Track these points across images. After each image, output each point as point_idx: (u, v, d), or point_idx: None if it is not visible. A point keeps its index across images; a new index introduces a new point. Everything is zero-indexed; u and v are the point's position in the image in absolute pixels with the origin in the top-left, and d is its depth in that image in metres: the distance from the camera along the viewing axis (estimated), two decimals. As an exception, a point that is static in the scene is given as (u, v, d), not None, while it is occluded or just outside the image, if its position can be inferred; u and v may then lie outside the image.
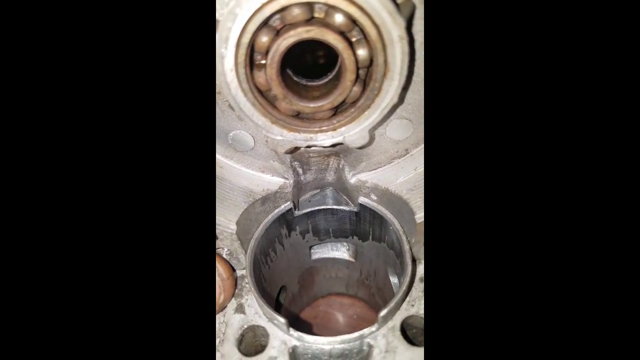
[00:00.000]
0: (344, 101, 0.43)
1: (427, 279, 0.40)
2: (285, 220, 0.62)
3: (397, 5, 0.36)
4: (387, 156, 0.55)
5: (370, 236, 0.66)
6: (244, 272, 0.55)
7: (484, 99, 0.33)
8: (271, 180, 0.59)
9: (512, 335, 0.32)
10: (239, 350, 0.49)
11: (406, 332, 0.47)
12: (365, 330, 0.46)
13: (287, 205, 0.60)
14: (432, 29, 0.35)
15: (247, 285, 0.54)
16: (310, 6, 0.36)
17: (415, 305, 0.49)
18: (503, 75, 0.33)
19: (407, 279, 0.48)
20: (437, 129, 0.34)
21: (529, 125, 0.33)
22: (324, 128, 0.46)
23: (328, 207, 0.64)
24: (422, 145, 0.53)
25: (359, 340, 0.46)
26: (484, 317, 0.33)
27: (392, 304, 0.45)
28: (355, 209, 0.61)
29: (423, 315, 0.48)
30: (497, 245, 0.33)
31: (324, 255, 0.76)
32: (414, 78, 0.44)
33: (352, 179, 0.59)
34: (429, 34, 0.37)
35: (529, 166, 0.33)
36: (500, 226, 0.33)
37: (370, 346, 0.45)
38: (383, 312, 0.45)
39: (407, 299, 0.50)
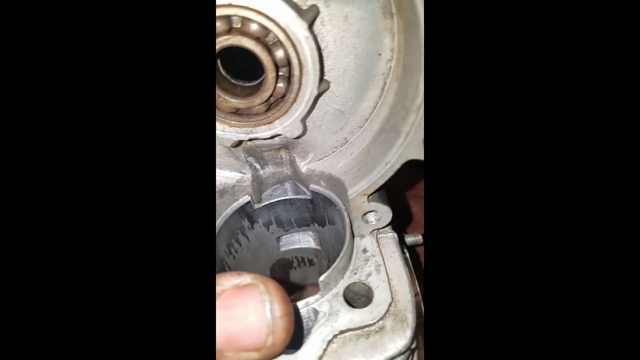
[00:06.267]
0: (272, 96, 0.49)
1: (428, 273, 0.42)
2: (246, 212, 0.68)
3: (299, 11, 0.42)
4: (330, 146, 0.61)
5: (327, 221, 0.72)
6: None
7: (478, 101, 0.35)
8: (228, 175, 0.65)
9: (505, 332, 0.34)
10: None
11: (347, 297, 0.52)
12: (311, 299, 0.51)
13: (246, 198, 0.66)
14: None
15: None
16: (228, 18, 0.43)
17: (357, 273, 0.55)
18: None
19: (346, 249, 0.54)
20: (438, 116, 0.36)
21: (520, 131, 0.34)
22: (260, 122, 0.52)
23: (286, 197, 0.70)
24: (359, 133, 0.60)
25: (305, 307, 0.51)
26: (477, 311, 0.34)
27: (329, 272, 0.51)
28: (309, 197, 0.68)
29: (364, 281, 0.53)
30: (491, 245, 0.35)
31: (292, 246, 0.82)
32: (333, 72, 0.51)
33: (304, 169, 0.65)
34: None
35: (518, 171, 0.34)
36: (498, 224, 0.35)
37: (315, 312, 0.51)
38: (321, 278, 0.50)
39: (350, 267, 0.55)
